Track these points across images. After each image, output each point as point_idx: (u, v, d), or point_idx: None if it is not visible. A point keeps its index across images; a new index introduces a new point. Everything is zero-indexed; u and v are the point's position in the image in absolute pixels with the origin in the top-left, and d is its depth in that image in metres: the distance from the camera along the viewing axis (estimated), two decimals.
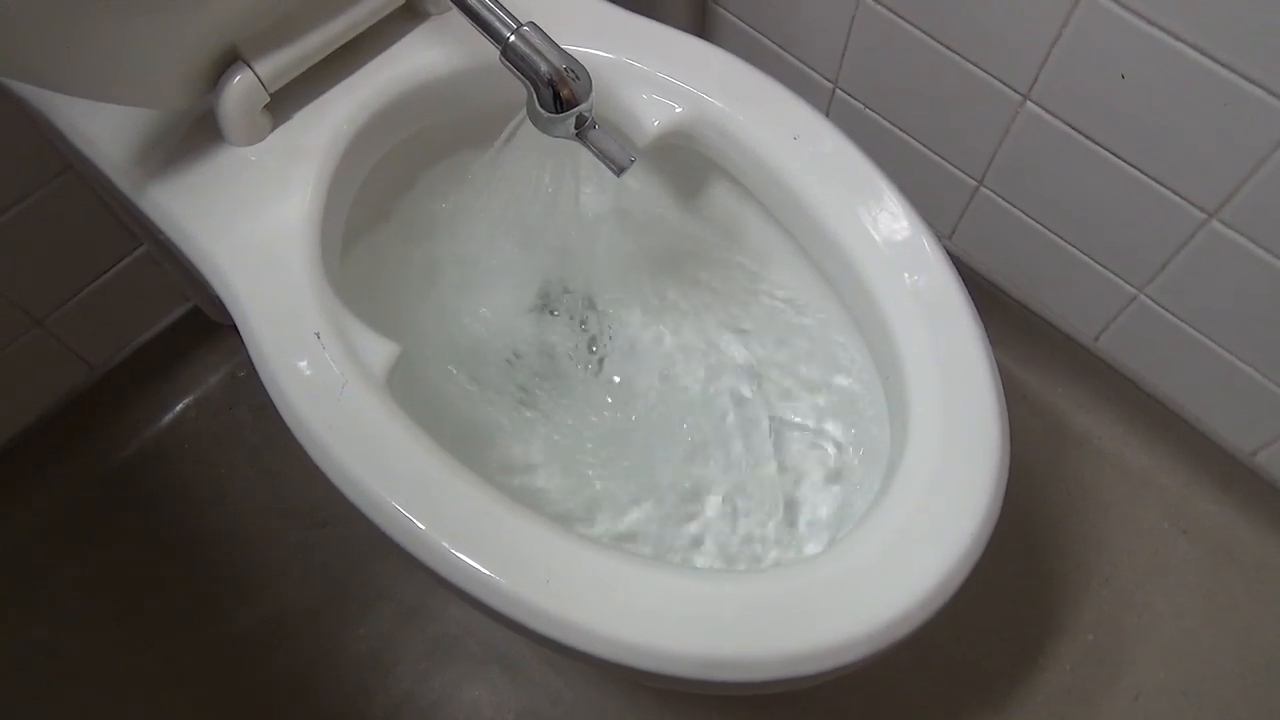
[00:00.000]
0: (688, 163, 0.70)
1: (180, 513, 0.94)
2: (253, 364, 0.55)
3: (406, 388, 0.57)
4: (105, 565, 0.92)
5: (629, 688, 0.87)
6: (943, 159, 0.86)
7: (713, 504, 0.68)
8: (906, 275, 0.58)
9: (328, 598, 0.90)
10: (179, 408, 0.99)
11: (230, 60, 0.58)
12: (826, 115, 0.64)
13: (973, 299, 0.57)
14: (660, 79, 0.64)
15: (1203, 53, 0.62)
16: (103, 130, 0.61)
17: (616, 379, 0.78)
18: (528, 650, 0.88)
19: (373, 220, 0.71)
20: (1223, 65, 0.61)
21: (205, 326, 0.98)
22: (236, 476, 0.96)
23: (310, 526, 0.94)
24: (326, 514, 0.94)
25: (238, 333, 0.56)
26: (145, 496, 0.95)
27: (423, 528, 0.49)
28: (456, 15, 0.55)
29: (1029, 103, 0.75)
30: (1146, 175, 0.72)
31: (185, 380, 1.00)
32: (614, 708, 0.86)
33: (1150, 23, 0.63)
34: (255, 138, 0.60)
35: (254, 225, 0.58)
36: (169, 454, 0.97)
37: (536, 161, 0.65)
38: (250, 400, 0.99)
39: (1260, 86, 0.61)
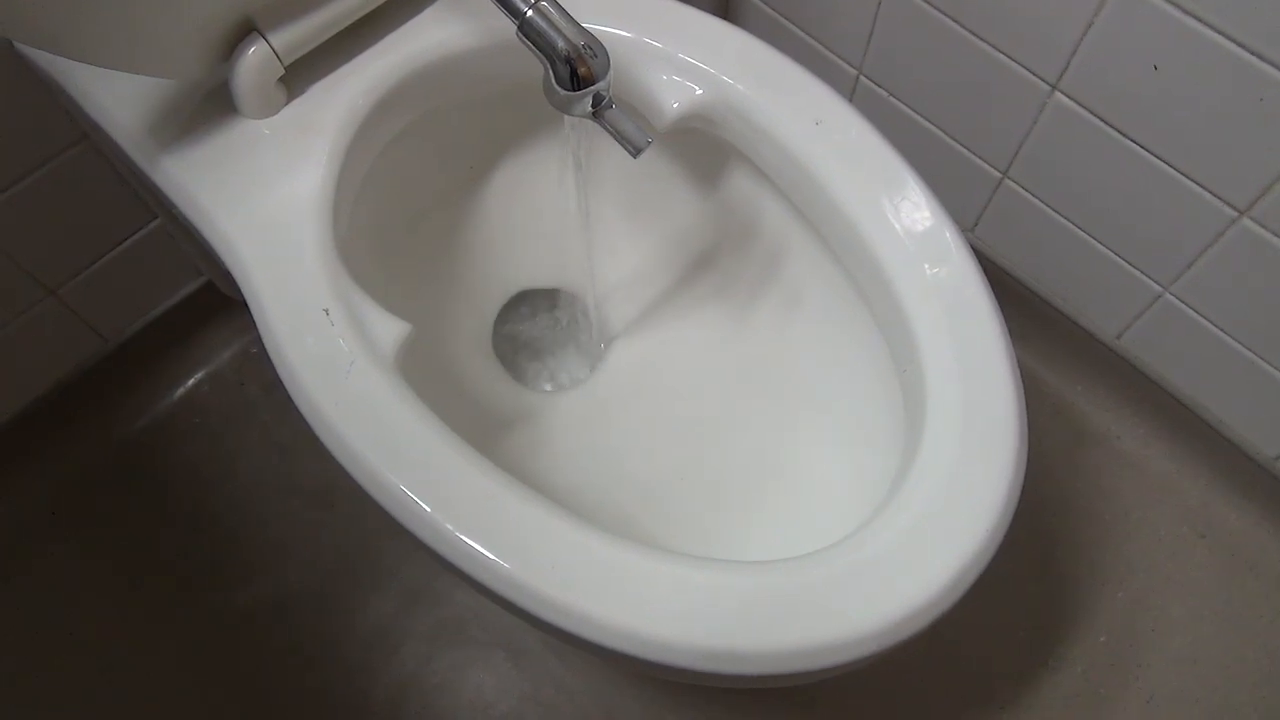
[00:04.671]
0: (706, 146, 0.68)
1: (189, 488, 0.95)
2: (262, 340, 0.55)
3: (418, 367, 0.56)
4: (113, 538, 0.93)
5: (634, 676, 0.86)
6: (968, 149, 0.85)
7: None
8: (927, 267, 0.56)
9: (335, 577, 0.90)
10: (191, 382, 0.99)
11: (245, 31, 0.57)
12: (850, 102, 0.62)
13: (994, 293, 0.56)
14: (680, 60, 0.63)
15: (1240, 45, 0.60)
16: (117, 100, 0.60)
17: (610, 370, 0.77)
18: (533, 636, 0.87)
19: (390, 198, 0.70)
20: (1260, 58, 0.60)
21: (218, 301, 0.98)
22: (247, 453, 0.96)
23: (319, 505, 0.93)
24: (335, 493, 0.94)
25: (249, 308, 0.56)
26: (154, 471, 0.95)
27: (428, 509, 0.49)
28: None
29: (1058, 93, 0.73)
30: (1176, 170, 0.70)
31: (197, 355, 0.99)
32: (618, 695, 0.85)
33: (1186, 12, 0.61)
34: (269, 111, 0.60)
35: (266, 199, 0.57)
36: (179, 428, 0.97)
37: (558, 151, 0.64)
38: (262, 377, 0.99)
39: None
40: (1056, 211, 0.82)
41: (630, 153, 0.56)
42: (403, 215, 0.74)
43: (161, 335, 0.96)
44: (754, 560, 0.49)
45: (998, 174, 0.84)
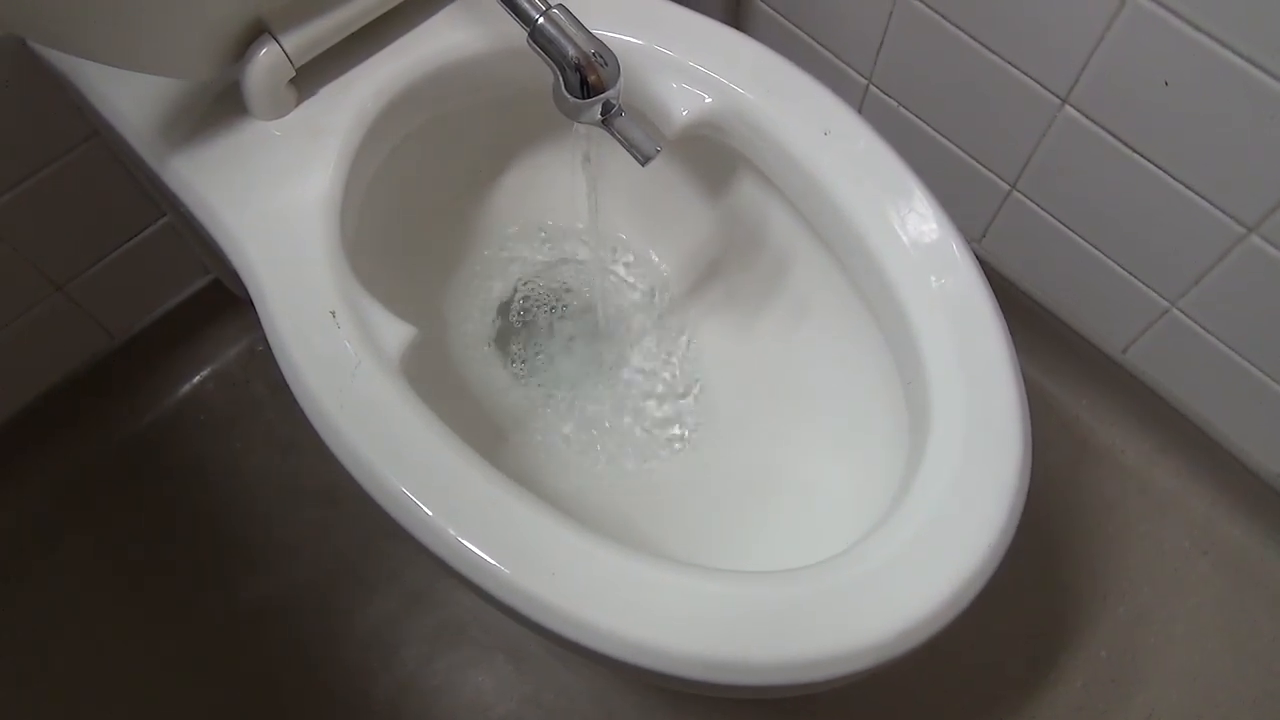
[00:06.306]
0: (714, 154, 0.69)
1: (194, 485, 0.95)
2: (268, 340, 0.55)
3: (423, 371, 0.56)
4: (117, 535, 0.93)
5: (633, 682, 0.86)
6: (976, 161, 0.85)
7: None
8: (933, 278, 0.56)
9: (337, 577, 0.90)
10: (196, 380, 0.99)
11: (257, 33, 0.57)
12: (859, 112, 0.62)
13: (1000, 305, 0.56)
14: (690, 68, 0.63)
15: (1251, 62, 0.60)
16: (128, 98, 0.61)
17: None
18: (533, 639, 0.87)
19: (399, 201, 0.70)
20: (1272, 76, 0.60)
21: (225, 299, 0.98)
22: (251, 451, 0.96)
23: (322, 505, 0.93)
24: (338, 493, 0.94)
25: (256, 307, 0.56)
26: (159, 468, 0.95)
27: (429, 513, 0.49)
28: None
29: (1068, 107, 0.73)
30: (1185, 186, 0.70)
31: (204, 353, 1.00)
32: (619, 699, 0.85)
33: (1198, 29, 0.61)
34: (279, 112, 0.60)
35: (274, 200, 0.57)
36: (185, 426, 0.97)
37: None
38: (267, 375, 0.99)
39: None
40: (1064, 224, 0.82)
41: (639, 161, 0.56)
42: (411, 218, 0.74)
43: (168, 332, 0.96)
44: (756, 570, 0.49)
45: (1006, 186, 0.84)
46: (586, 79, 0.53)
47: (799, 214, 0.65)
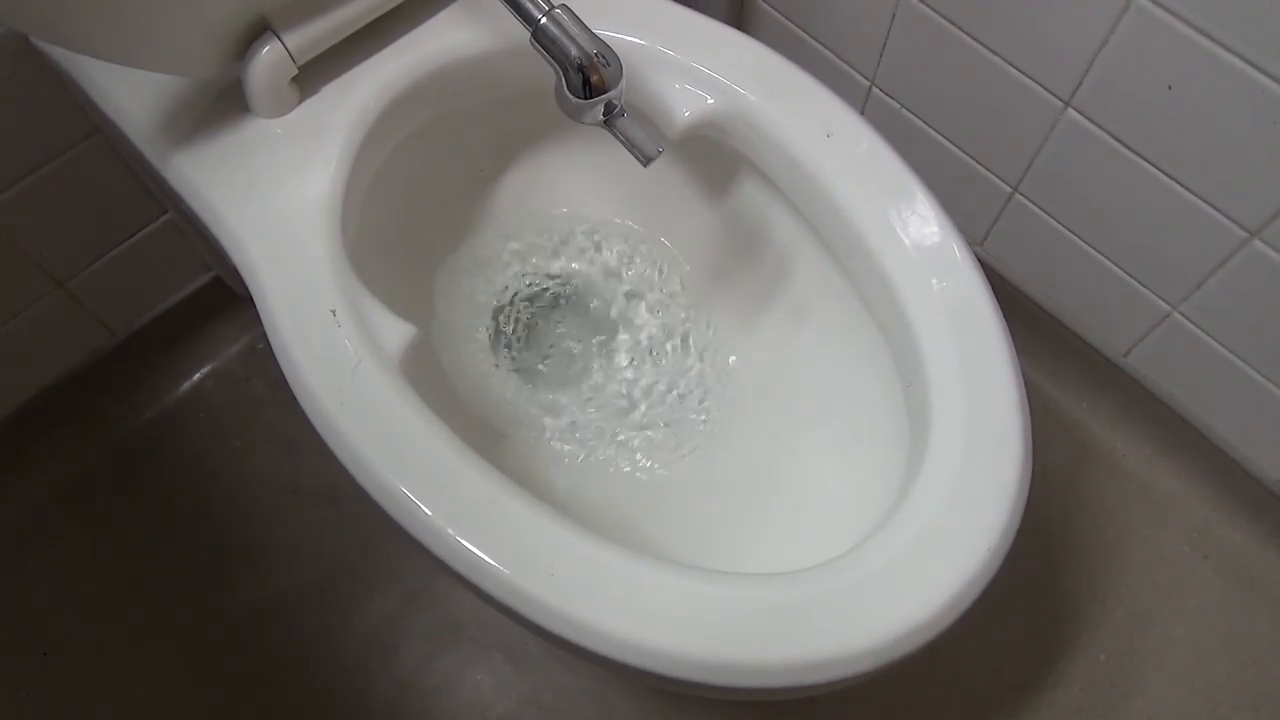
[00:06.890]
0: (716, 155, 0.68)
1: (193, 483, 0.95)
2: (268, 338, 0.55)
3: (423, 370, 0.56)
4: (116, 534, 0.93)
5: (632, 683, 0.86)
6: (978, 164, 0.84)
7: None
8: (934, 281, 0.56)
9: (336, 575, 0.90)
10: (196, 377, 0.99)
11: (259, 31, 0.57)
12: (862, 114, 0.62)
13: (1001, 307, 0.56)
14: (693, 69, 0.63)
15: (1256, 67, 0.60)
16: (131, 96, 0.61)
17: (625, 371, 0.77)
18: (531, 638, 0.87)
19: (400, 200, 0.70)
20: (1275, 80, 0.60)
21: (226, 297, 0.98)
22: (251, 449, 0.96)
23: (322, 504, 0.93)
24: (338, 491, 0.94)
25: (256, 306, 0.56)
26: (159, 465, 0.95)
27: (429, 513, 0.49)
28: None
29: (1070, 110, 0.73)
30: (1188, 190, 0.70)
31: (204, 350, 1.00)
32: (618, 699, 0.85)
33: (1201, 33, 0.61)
34: (281, 110, 0.60)
35: (276, 198, 0.57)
36: (185, 423, 0.97)
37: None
38: (268, 373, 0.99)
39: None
40: (1066, 228, 0.82)
41: (641, 161, 0.56)
42: (412, 217, 0.74)
43: (168, 330, 0.96)
44: (755, 572, 0.49)
45: (1008, 189, 0.84)
46: (589, 79, 0.53)
47: (800, 216, 0.65)
